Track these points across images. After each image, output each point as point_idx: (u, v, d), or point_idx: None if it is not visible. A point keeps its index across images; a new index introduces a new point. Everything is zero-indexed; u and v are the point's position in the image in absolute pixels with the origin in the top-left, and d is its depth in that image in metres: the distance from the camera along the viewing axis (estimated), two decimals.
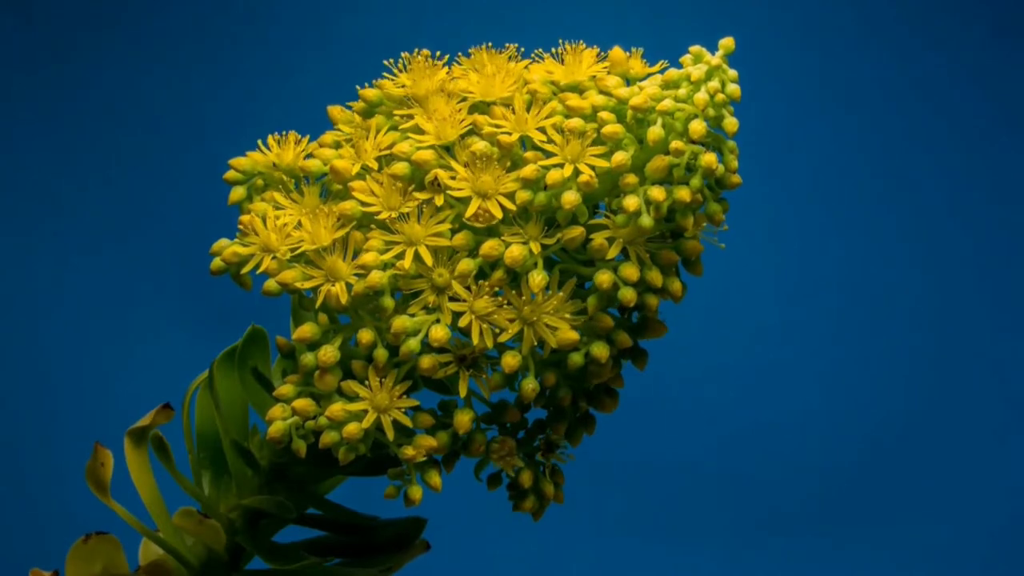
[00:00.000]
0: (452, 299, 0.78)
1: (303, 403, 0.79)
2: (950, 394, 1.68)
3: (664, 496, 1.65)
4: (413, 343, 0.77)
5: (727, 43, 0.81)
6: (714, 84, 0.79)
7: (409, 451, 0.79)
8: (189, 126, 1.65)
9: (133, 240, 1.63)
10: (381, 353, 0.78)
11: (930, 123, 1.71)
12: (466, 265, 0.78)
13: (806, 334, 1.68)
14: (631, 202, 0.77)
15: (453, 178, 0.79)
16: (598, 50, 0.83)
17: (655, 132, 0.78)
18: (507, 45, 0.84)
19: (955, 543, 1.63)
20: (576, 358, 0.79)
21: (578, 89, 0.82)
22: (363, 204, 0.80)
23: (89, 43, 1.66)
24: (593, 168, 0.78)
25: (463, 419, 0.79)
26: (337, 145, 0.84)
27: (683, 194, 0.78)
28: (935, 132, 1.71)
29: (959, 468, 1.66)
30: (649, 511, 1.64)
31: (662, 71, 0.82)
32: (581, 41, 0.84)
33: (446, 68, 0.85)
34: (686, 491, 1.65)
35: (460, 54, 0.86)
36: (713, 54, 0.80)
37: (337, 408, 0.78)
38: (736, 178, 0.80)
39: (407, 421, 0.78)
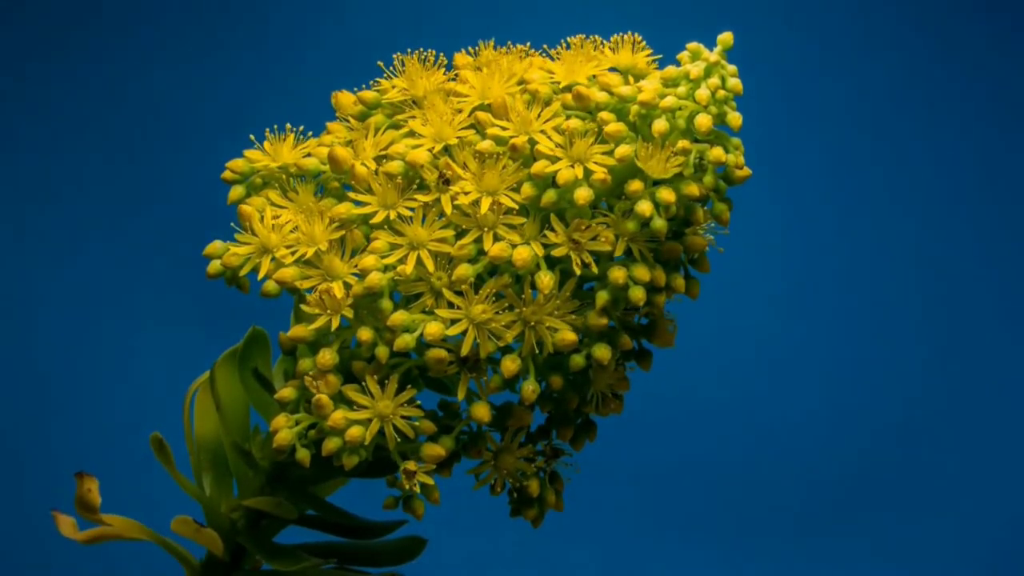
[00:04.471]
0: (449, 305, 0.77)
1: (324, 398, 0.78)
2: (953, 394, 1.67)
3: (664, 496, 1.65)
4: (409, 339, 0.77)
5: (725, 38, 0.80)
6: (714, 80, 0.79)
7: (411, 466, 0.79)
8: (188, 124, 1.64)
9: (132, 240, 1.63)
10: (383, 350, 0.78)
11: (935, 121, 1.71)
12: (464, 270, 0.77)
13: (808, 333, 1.68)
14: (645, 207, 0.77)
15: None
16: (599, 42, 0.83)
17: (660, 124, 0.77)
18: (517, 47, 0.84)
19: (956, 543, 1.63)
20: (578, 359, 0.79)
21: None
22: (358, 204, 0.79)
23: (85, 41, 1.65)
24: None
25: (480, 411, 0.79)
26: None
27: (692, 190, 0.77)
28: (940, 131, 1.71)
29: (961, 468, 1.65)
30: (649, 511, 1.64)
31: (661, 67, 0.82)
32: (582, 35, 0.83)
33: (443, 69, 0.84)
34: (686, 491, 1.65)
35: (461, 50, 0.86)
36: (711, 50, 0.80)
37: (339, 416, 0.78)
38: (744, 171, 0.79)
39: (410, 432, 0.78)
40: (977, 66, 1.71)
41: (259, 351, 0.87)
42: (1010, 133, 1.71)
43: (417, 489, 0.79)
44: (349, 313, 0.79)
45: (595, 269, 0.77)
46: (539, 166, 0.77)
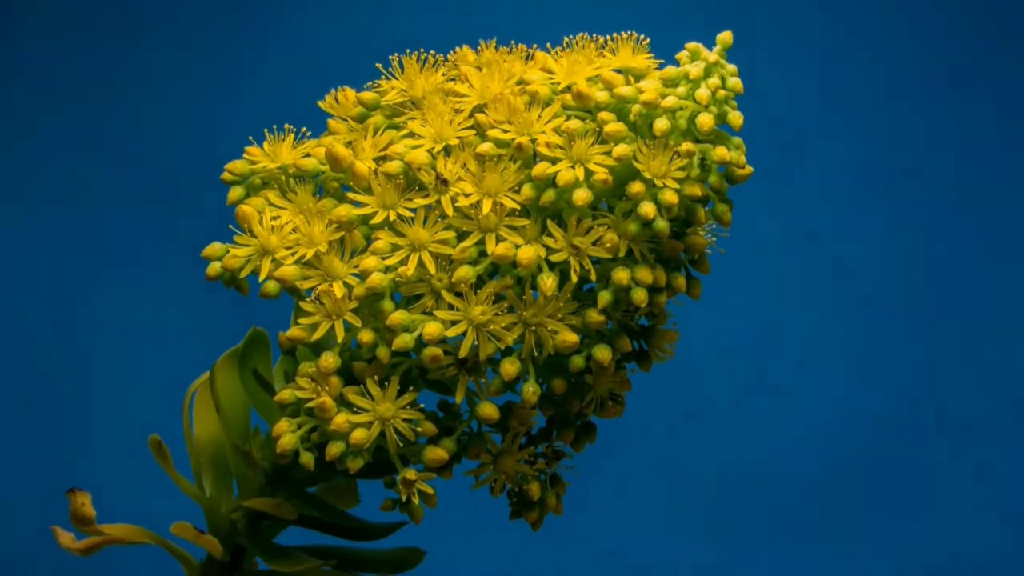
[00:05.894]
0: (449, 306, 0.77)
1: (328, 401, 0.78)
2: (955, 395, 1.67)
3: (665, 496, 1.65)
4: (408, 338, 0.77)
5: (725, 37, 0.80)
6: (714, 81, 0.78)
7: (410, 475, 0.78)
8: (189, 124, 1.64)
9: (130, 240, 1.62)
10: (384, 351, 0.77)
11: (936, 121, 1.71)
12: (464, 272, 0.77)
13: (809, 333, 1.68)
14: (648, 209, 0.76)
15: (458, 180, 0.78)
16: (601, 42, 0.83)
17: (662, 123, 0.77)
18: (520, 46, 0.84)
19: (957, 543, 1.63)
20: (578, 360, 0.78)
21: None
22: (357, 204, 0.79)
23: (85, 41, 1.65)
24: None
25: (488, 411, 0.79)
26: None
27: (695, 191, 0.77)
28: (941, 131, 1.71)
29: (962, 469, 1.65)
30: (649, 511, 1.64)
31: (661, 67, 0.81)
32: (583, 34, 0.83)
33: (442, 69, 0.84)
34: (687, 491, 1.65)
35: (458, 48, 0.85)
36: (710, 49, 0.80)
37: (342, 419, 0.77)
38: (746, 170, 0.79)
39: (411, 435, 0.78)
40: (980, 63, 1.70)
41: (259, 352, 0.87)
42: (1014, 131, 1.70)
43: (416, 499, 0.79)
44: (352, 319, 0.78)
45: (593, 276, 0.77)
46: (540, 168, 0.77)
